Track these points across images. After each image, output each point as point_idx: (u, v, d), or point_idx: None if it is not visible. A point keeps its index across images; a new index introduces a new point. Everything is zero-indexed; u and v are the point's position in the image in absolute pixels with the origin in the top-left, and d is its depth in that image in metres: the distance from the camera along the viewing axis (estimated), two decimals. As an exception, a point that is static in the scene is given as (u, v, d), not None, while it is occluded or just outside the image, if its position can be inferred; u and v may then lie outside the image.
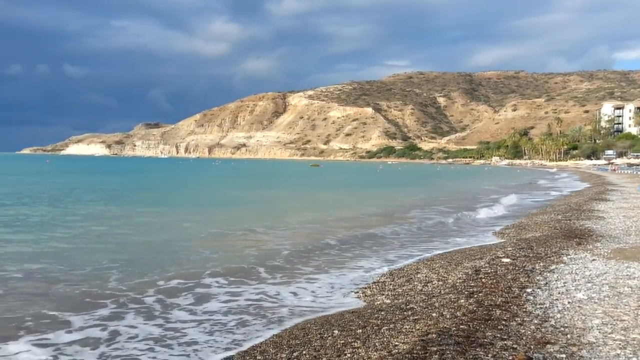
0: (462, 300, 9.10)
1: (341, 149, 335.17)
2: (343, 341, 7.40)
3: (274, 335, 8.16)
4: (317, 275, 12.43)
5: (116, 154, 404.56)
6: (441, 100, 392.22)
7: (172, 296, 10.42)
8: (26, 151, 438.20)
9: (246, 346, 7.72)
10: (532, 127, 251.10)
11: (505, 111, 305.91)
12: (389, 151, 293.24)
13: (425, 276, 11.58)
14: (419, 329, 7.63)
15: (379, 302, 9.74)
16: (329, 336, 7.70)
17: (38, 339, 7.95)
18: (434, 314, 8.41)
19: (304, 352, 7.12)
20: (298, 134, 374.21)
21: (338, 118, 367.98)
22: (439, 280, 11.02)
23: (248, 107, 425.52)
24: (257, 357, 7.17)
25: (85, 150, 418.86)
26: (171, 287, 11.07)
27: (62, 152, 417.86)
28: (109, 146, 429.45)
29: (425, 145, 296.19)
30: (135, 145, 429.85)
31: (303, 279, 12.10)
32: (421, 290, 10.37)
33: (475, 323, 7.74)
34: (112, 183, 52.52)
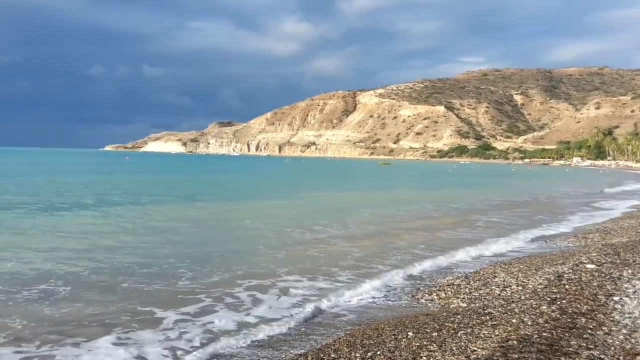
0: (544, 307, 8.69)
1: (411, 148, 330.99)
2: (418, 343, 7.25)
3: (347, 334, 8.11)
4: (389, 276, 12.27)
5: (191, 152, 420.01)
6: (518, 98, 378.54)
7: (242, 294, 10.63)
8: (108, 148, 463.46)
9: (320, 344, 7.72)
10: (616, 127, 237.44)
11: (587, 109, 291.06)
12: (461, 150, 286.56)
13: (503, 280, 11.16)
14: (498, 335, 7.35)
15: (454, 306, 9.47)
16: (403, 338, 7.57)
17: (127, 336, 8.25)
18: (513, 320, 8.08)
19: (378, 353, 7.03)
20: (367, 132, 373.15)
21: (408, 116, 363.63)
22: (518, 285, 10.59)
23: (318, 105, 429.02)
24: (331, 356, 7.15)
25: (162, 147, 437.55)
26: (246, 285, 11.23)
27: (141, 149, 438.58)
28: (184, 144, 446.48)
29: (500, 145, 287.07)
30: (209, 143, 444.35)
31: (374, 278, 11.98)
32: (499, 294, 10.00)
33: (559, 331, 7.37)
34: (193, 182, 54.52)
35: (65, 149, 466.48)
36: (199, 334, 8.23)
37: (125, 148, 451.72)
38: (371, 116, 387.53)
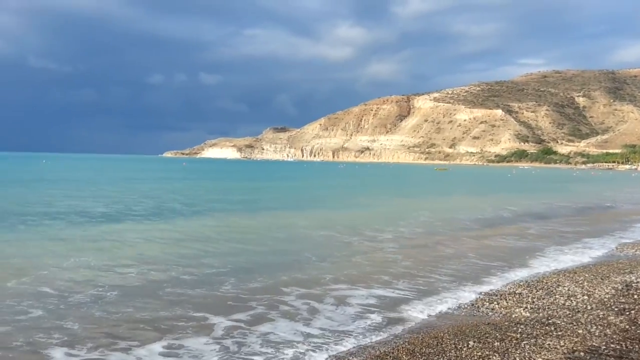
0: (611, 317, 8.36)
1: (468, 152, 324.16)
2: (480, 353, 7.14)
3: (405, 342, 8.07)
4: (447, 284, 12.11)
5: (246, 157, 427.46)
6: (580, 100, 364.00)
7: (294, 301, 10.74)
8: (168, 154, 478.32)
9: (379, 351, 7.73)
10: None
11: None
12: (520, 155, 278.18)
13: (568, 289, 10.79)
14: (564, 346, 7.13)
15: (516, 315, 9.24)
16: (464, 347, 7.47)
17: (179, 343, 8.44)
18: (580, 331, 7.81)
19: (438, 362, 6.97)
20: (422, 137, 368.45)
21: (465, 120, 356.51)
22: (583, 295, 10.21)
23: (372, 110, 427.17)
24: (391, 363, 7.15)
25: (218, 153, 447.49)
26: (298, 292, 11.27)
27: (199, 155, 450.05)
28: (240, 149, 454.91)
29: (562, 149, 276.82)
30: (263, 149, 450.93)
31: (431, 287, 11.85)
32: (564, 304, 9.67)
33: (629, 343, 7.08)
34: (249, 189, 55.54)
35: (126, 156, 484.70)
36: (257, 343, 8.15)
37: (183, 154, 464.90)
38: (426, 120, 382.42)
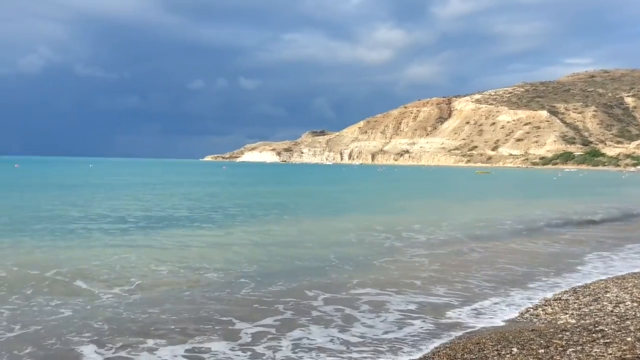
0: (663, 327, 8.04)
1: (511, 155, 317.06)
2: (523, 360, 6.99)
3: (445, 347, 7.98)
4: (488, 289, 11.90)
5: (285, 161, 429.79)
6: (629, 101, 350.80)
7: (329, 306, 10.74)
8: (208, 158, 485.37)
9: (416, 356, 7.66)
10: None
11: None
12: (566, 157, 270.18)
13: (616, 296, 10.44)
14: (611, 354, 6.91)
15: (562, 322, 8.99)
16: (507, 354, 7.32)
17: (204, 346, 8.54)
18: (629, 339, 7.55)
19: (480, 368, 6.86)
20: (464, 139, 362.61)
21: (508, 122, 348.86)
22: (633, 302, 9.86)
23: (411, 113, 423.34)
24: (431, 368, 7.08)
25: (257, 157, 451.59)
26: (324, 296, 11.23)
27: (238, 159, 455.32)
28: (278, 153, 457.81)
29: (610, 151, 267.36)
30: (302, 153, 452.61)
31: (470, 292, 11.66)
32: (612, 311, 9.36)
33: (682, 354, 6.78)
34: (288, 193, 55.94)
35: (167, 160, 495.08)
36: (289, 349, 8.06)
37: (223, 158, 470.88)
38: (467, 123, 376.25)
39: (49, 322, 9.05)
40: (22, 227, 20.08)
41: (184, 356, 7.76)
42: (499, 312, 9.96)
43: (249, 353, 7.88)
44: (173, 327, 8.95)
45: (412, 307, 10.32)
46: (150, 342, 8.20)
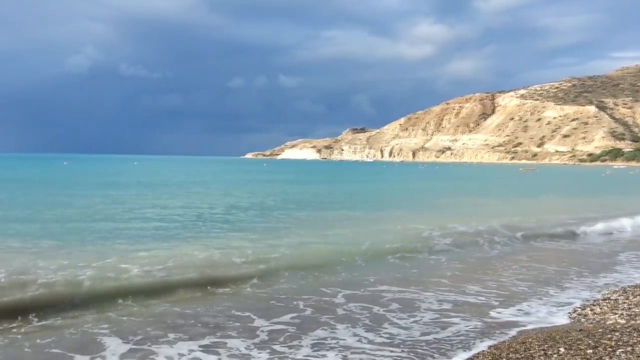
0: None
1: (557, 151, 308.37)
2: (570, 361, 6.85)
3: (490, 347, 7.89)
4: (535, 288, 11.68)
5: (325, 158, 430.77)
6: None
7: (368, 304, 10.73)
8: (248, 156, 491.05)
9: (462, 356, 7.60)
10: None
11: None
12: (615, 154, 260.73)
13: (670, 298, 10.08)
14: (664, 357, 6.69)
15: (611, 322, 8.76)
16: (554, 354, 7.19)
17: (221, 341, 8.72)
18: (683, 342, 7.29)
19: (526, 367, 6.76)
20: (508, 136, 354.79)
21: (554, 118, 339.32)
22: (687, 304, 9.50)
23: (454, 109, 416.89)
24: (476, 367, 7.02)
25: (297, 154, 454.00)
26: (344, 293, 11.25)
27: (279, 157, 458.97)
28: (319, 151, 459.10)
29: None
30: (342, 150, 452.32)
31: (517, 290, 11.48)
32: (665, 313, 9.05)
33: None
34: (330, 190, 56.08)
35: (209, 157, 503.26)
36: (310, 348, 7.93)
37: (264, 155, 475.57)
38: (512, 119, 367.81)
39: (67, 313, 9.48)
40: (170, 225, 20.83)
41: (200, 351, 7.85)
42: (544, 312, 9.78)
43: (267, 351, 7.89)
44: (192, 321, 9.14)
45: (447, 306, 10.23)
46: (174, 333, 8.48)
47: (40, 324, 8.88)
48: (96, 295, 10.32)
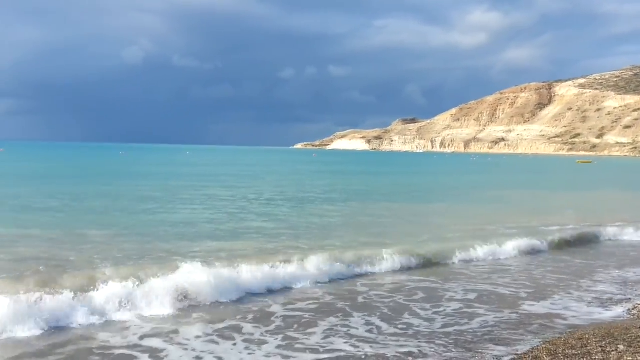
0: None
1: (618, 143, 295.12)
2: (630, 358, 6.73)
3: (547, 342, 7.82)
4: (591, 283, 11.42)
5: (374, 149, 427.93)
6: None
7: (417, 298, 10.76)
8: (298, 146, 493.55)
9: (520, 350, 7.58)
10: None
11: None
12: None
13: None
14: None
15: (674, 321, 8.50)
16: (613, 350, 7.08)
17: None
18: None
19: (583, 364, 6.70)
20: (565, 127, 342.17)
21: (615, 108, 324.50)
22: None
23: (508, 99, 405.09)
24: (532, 362, 7.00)
25: (347, 145, 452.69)
26: (371, 283, 11.38)
27: (328, 147, 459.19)
28: (368, 141, 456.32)
29: None
30: (392, 140, 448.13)
31: (573, 285, 11.26)
32: None
33: None
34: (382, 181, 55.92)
35: (259, 147, 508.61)
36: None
37: (313, 146, 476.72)
38: (570, 109, 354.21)
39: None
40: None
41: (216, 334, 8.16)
42: (604, 308, 9.57)
43: (280, 336, 8.11)
44: (209, 304, 9.58)
45: (493, 296, 10.14)
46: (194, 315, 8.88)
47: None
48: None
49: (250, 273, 10.75)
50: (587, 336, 7.86)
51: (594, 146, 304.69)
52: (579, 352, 7.18)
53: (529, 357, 7.23)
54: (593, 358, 6.92)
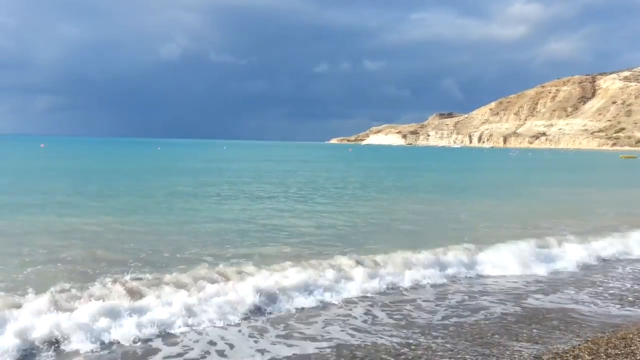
0: None
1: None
2: (677, 360, 6.58)
3: (588, 341, 7.70)
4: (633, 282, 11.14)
5: (410, 144, 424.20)
6: None
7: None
8: (333, 141, 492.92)
9: (560, 349, 7.50)
10: None
11: None
12: None
13: None
14: None
15: None
16: (658, 351, 6.93)
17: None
18: None
19: (626, 364, 6.59)
20: (609, 121, 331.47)
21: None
22: None
23: (549, 92, 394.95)
24: (571, 361, 6.92)
25: (383, 140, 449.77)
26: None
27: (363, 142, 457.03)
28: (404, 136, 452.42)
29: None
30: (428, 135, 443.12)
31: (618, 285, 11.00)
32: None
33: None
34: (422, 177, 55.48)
35: (295, 143, 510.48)
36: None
37: (348, 141, 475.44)
38: (614, 102, 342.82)
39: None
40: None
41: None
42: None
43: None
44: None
45: (554, 297, 10.02)
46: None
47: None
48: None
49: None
50: (630, 336, 7.71)
51: (639, 141, 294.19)
52: (622, 351, 7.06)
53: (569, 356, 7.13)
54: (637, 357, 6.81)
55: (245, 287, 9.28)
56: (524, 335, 8.01)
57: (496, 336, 7.94)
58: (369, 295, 9.99)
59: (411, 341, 7.61)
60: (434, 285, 10.83)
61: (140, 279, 9.81)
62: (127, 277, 9.76)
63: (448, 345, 7.47)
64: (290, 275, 10.21)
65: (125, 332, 7.57)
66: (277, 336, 7.78)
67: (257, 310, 8.82)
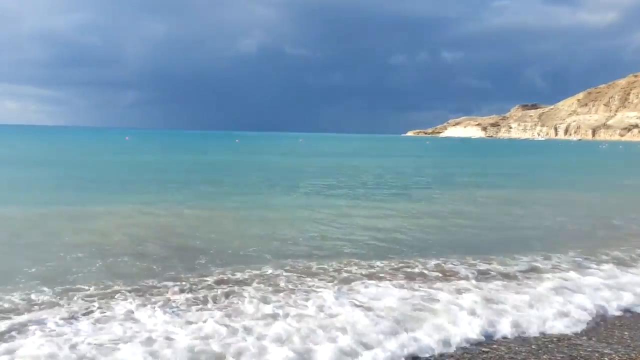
0: None
1: None
2: None
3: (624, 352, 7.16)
4: None
5: (491, 136, 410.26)
6: None
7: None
8: (410, 134, 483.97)
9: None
10: None
11: None
12: None
13: None
14: None
15: None
16: None
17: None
18: None
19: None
20: None
21: None
22: None
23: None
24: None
25: (461, 132, 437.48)
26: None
27: (441, 135, 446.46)
28: (484, 129, 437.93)
29: None
30: (510, 128, 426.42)
31: None
32: None
33: None
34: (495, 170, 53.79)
35: (370, 135, 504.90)
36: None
37: (426, 133, 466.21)
38: None
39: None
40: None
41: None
42: None
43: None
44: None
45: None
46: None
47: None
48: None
49: None
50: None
51: None
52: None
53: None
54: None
55: None
56: None
57: None
58: None
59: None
60: None
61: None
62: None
63: None
64: None
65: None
66: None
67: None
